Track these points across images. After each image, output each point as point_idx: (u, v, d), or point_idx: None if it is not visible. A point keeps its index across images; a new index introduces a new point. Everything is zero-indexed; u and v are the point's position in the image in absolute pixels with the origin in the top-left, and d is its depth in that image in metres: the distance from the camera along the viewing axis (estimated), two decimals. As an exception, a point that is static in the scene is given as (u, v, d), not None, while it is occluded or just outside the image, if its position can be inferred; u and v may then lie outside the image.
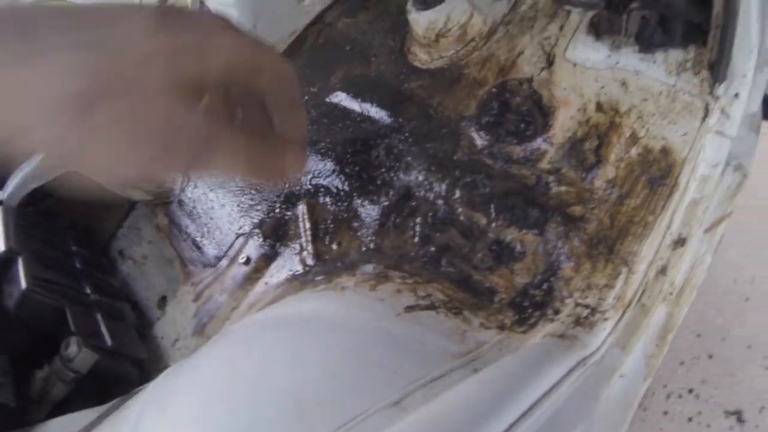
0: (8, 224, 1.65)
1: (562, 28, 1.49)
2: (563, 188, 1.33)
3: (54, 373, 1.33)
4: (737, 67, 1.18)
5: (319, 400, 0.87)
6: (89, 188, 1.83)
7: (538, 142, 1.40)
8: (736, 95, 1.19)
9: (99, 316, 1.56)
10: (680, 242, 1.17)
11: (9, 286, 1.48)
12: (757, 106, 1.22)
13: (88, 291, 1.64)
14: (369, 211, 1.55)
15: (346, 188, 1.62)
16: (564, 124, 1.39)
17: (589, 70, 1.40)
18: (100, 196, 1.95)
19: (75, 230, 2.00)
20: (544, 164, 1.38)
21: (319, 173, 1.68)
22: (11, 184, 1.83)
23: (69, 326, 1.47)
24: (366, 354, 0.99)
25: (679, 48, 1.29)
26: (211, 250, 1.76)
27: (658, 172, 1.25)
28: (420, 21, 1.69)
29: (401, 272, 1.38)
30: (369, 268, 1.41)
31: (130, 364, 1.53)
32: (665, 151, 1.25)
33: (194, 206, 1.93)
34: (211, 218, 1.85)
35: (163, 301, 1.81)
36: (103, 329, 1.52)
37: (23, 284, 1.41)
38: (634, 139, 1.29)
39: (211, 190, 1.92)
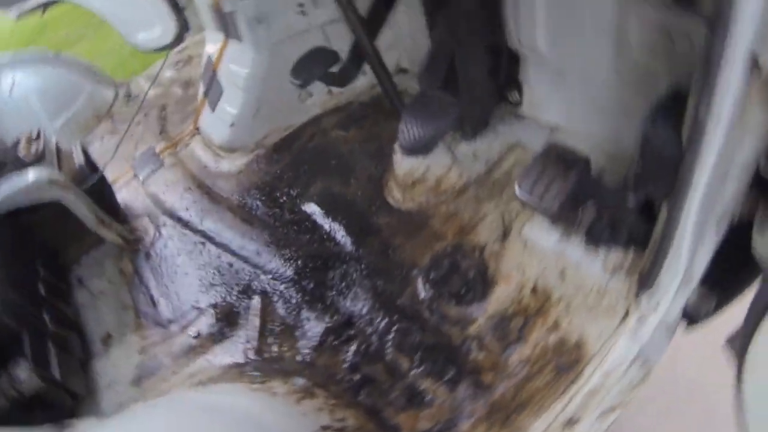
0: None
1: (524, 204, 1.53)
2: (482, 355, 1.46)
3: None
4: (663, 283, 1.27)
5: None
6: (68, 216, 2.01)
7: (473, 309, 1.53)
8: (657, 305, 1.30)
9: (51, 347, 1.72)
10: (572, 422, 1.27)
11: None
12: (674, 316, 1.34)
13: (47, 319, 1.79)
14: (313, 326, 1.72)
15: (299, 299, 1.81)
16: (500, 298, 1.52)
17: (537, 252, 1.52)
18: (74, 226, 2.12)
19: (44, 250, 2.13)
20: (471, 330, 1.50)
21: (279, 276, 1.88)
22: None
23: (19, 347, 1.63)
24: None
25: (620, 249, 1.43)
26: (166, 312, 1.93)
27: (568, 362, 1.34)
28: (402, 164, 1.88)
29: (326, 391, 1.52)
30: (300, 381, 1.56)
31: (69, 396, 1.69)
32: (579, 345, 1.35)
33: (160, 264, 2.11)
34: (172, 282, 2.03)
35: (108, 339, 1.96)
36: (53, 361, 1.68)
37: None
38: (555, 326, 1.41)
39: (179, 254, 2.11)
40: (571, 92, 1.66)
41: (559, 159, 1.41)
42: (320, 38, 2.25)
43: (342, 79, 1.86)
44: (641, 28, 1.30)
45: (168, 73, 3.13)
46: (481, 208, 1.72)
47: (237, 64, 2.33)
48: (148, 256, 2.15)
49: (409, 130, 1.59)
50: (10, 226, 1.98)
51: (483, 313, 1.51)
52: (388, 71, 1.72)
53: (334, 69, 1.82)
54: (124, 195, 2.47)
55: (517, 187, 1.41)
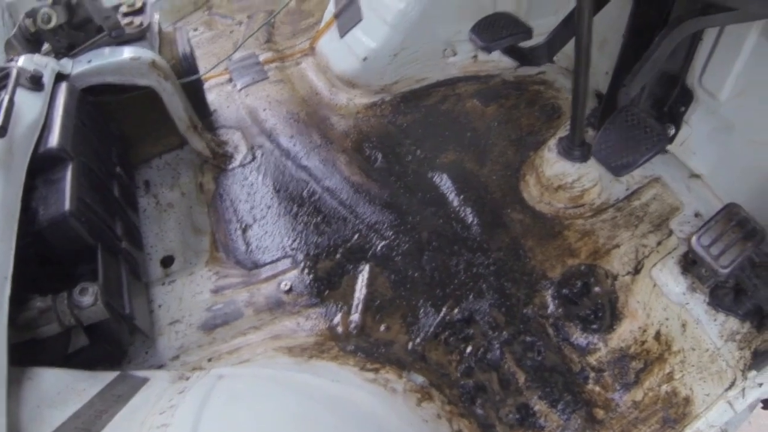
0: (69, 113, 1.53)
1: (659, 243, 1.63)
2: (597, 389, 1.43)
3: (54, 311, 1.23)
4: None
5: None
6: (154, 107, 1.74)
7: (597, 339, 1.51)
8: (760, 384, 1.35)
9: (124, 274, 1.46)
10: None
11: (48, 192, 1.37)
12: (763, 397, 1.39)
13: (119, 233, 1.53)
14: (428, 314, 1.54)
15: (415, 278, 1.60)
16: (624, 334, 1.51)
17: (663, 297, 1.52)
18: (156, 121, 1.86)
19: (119, 140, 1.86)
20: (592, 359, 1.48)
21: (397, 246, 1.65)
22: (85, 65, 1.70)
23: (89, 267, 1.37)
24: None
25: (738, 319, 1.44)
26: (253, 251, 1.69)
27: (674, 415, 1.36)
28: (554, 165, 1.75)
29: (442, 394, 1.41)
30: (418, 379, 1.41)
31: (129, 333, 1.45)
32: (687, 401, 1.38)
33: (250, 192, 1.85)
34: (263, 216, 1.78)
35: (168, 261, 1.71)
36: (125, 292, 1.42)
37: (67, 205, 1.32)
38: (670, 377, 1.42)
39: (275, 187, 1.86)
40: (732, 148, 1.65)
41: (739, 224, 1.41)
42: (489, 2, 2.05)
43: (531, 59, 1.69)
44: None
45: (283, -23, 2.83)
46: (617, 234, 1.68)
47: (389, -5, 2.08)
48: (236, 178, 1.90)
49: (607, 143, 1.48)
50: (92, 104, 1.72)
51: (606, 345, 1.49)
52: (590, 62, 1.49)
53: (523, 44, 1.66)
54: (214, 98, 2.20)
55: (695, 240, 1.40)
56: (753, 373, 1.36)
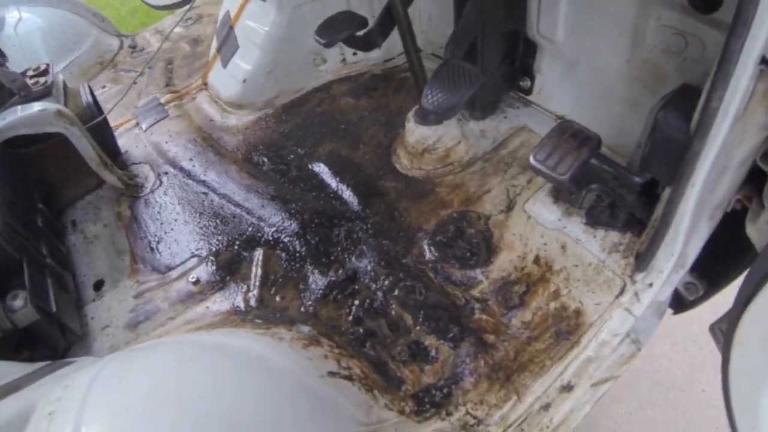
0: None
1: (529, 181, 1.75)
2: (484, 317, 1.50)
3: None
4: (658, 263, 1.40)
5: (257, 430, 1.01)
6: (69, 154, 2.01)
7: (477, 273, 1.61)
8: (650, 284, 1.41)
9: (49, 281, 1.72)
10: (567, 388, 1.36)
11: None
12: (665, 297, 1.45)
13: (44, 252, 1.79)
14: (316, 280, 1.75)
15: (302, 252, 1.83)
16: (503, 265, 1.60)
17: (539, 226, 1.62)
18: (73, 165, 2.13)
19: (41, 186, 2.12)
20: (475, 292, 1.57)
21: (283, 230, 1.90)
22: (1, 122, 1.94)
23: (16, 278, 1.63)
24: (296, 404, 1.16)
25: (618, 231, 1.54)
26: (164, 258, 1.94)
27: (567, 328, 1.43)
28: (415, 132, 1.92)
29: (331, 341, 1.56)
30: (305, 329, 1.59)
31: (61, 334, 1.69)
32: (578, 313, 1.44)
33: (159, 211, 2.12)
34: (172, 229, 2.04)
35: (99, 284, 1.95)
36: (51, 295, 1.68)
37: None
38: (556, 294, 1.49)
39: (180, 203, 2.13)
40: (582, 83, 1.77)
41: (573, 136, 1.49)
42: (342, 4, 2.28)
43: (366, 44, 1.86)
44: (659, 29, 1.43)
45: (176, 29, 3.11)
46: (487, 182, 1.79)
47: (257, 22, 2.34)
48: (147, 202, 2.15)
49: (433, 94, 1.61)
50: (11, 155, 1.97)
51: (486, 278, 1.58)
52: (415, 40, 1.75)
53: (360, 33, 1.83)
54: (125, 142, 2.45)
55: (531, 157, 1.48)
56: (640, 275, 1.42)
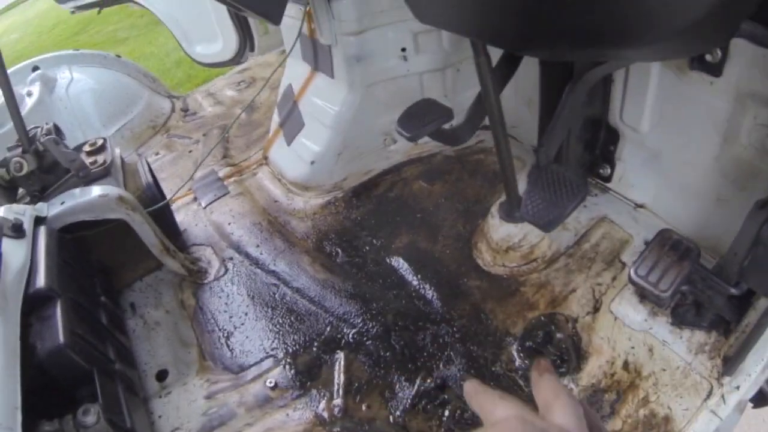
0: (50, 253, 1.68)
1: (614, 279, 1.69)
2: None
3: None
4: (747, 367, 1.38)
5: None
6: (128, 237, 1.92)
7: (567, 381, 1.53)
8: (737, 387, 1.38)
9: (120, 390, 1.62)
10: None
11: (42, 327, 1.52)
12: (750, 395, 1.41)
13: (111, 356, 1.69)
14: (403, 388, 1.65)
15: (387, 357, 1.73)
16: (592, 371, 1.54)
17: (626, 328, 1.57)
18: (132, 248, 2.04)
19: (101, 272, 2.01)
20: None
21: (365, 332, 1.80)
22: (59, 207, 1.85)
23: (86, 388, 1.52)
24: None
25: (703, 331, 1.49)
26: (237, 356, 1.84)
27: None
28: (500, 230, 1.85)
29: None
30: None
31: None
32: (667, 420, 1.39)
33: (227, 302, 2.02)
34: (242, 323, 1.94)
35: (162, 375, 1.85)
36: (124, 407, 1.58)
37: (61, 338, 1.47)
38: (645, 401, 1.43)
39: (249, 294, 2.03)
40: (665, 173, 1.72)
41: (673, 247, 1.48)
42: (416, 86, 2.22)
43: (456, 139, 1.78)
44: (755, 128, 1.38)
45: (229, 92, 3.06)
46: (572, 279, 1.74)
47: (325, 100, 2.27)
48: (212, 291, 2.06)
49: (533, 202, 1.58)
50: (71, 240, 1.87)
51: (577, 385, 1.53)
52: (506, 131, 1.67)
53: (446, 126, 1.76)
54: (183, 218, 2.37)
55: (632, 272, 1.46)
56: (728, 378, 1.39)
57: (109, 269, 2.07)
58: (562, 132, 1.65)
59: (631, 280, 1.46)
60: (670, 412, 1.40)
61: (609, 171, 1.93)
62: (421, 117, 1.71)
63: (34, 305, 1.54)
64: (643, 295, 1.59)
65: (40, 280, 1.56)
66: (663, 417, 1.40)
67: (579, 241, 1.84)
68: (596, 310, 1.66)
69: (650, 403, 1.43)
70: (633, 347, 1.54)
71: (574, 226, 1.89)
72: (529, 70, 1.71)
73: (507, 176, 1.75)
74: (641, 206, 1.86)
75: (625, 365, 1.52)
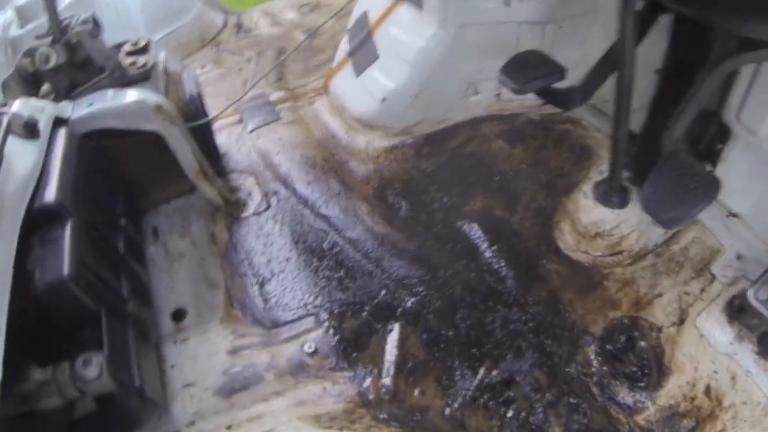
0: (68, 161, 1.41)
1: (702, 291, 1.55)
2: None
3: (56, 383, 1.11)
4: None
5: None
6: (161, 154, 1.64)
7: (644, 397, 1.41)
8: None
9: (131, 337, 1.34)
10: None
11: (45, 252, 1.26)
12: None
13: (125, 294, 1.41)
14: (464, 376, 1.45)
15: (449, 337, 1.50)
16: (672, 390, 1.41)
17: (710, 349, 1.43)
18: (163, 167, 1.76)
19: (123, 187, 1.75)
20: (640, 419, 1.38)
21: (427, 304, 1.56)
22: (85, 108, 1.58)
23: (93, 333, 1.25)
24: None
25: None
26: (271, 308, 1.58)
27: None
28: (592, 212, 1.68)
29: None
30: None
31: (140, 401, 1.31)
32: None
33: (266, 243, 1.75)
34: (282, 270, 1.67)
35: (180, 315, 1.60)
36: (134, 361, 1.30)
37: (65, 268, 1.20)
38: None
39: (293, 238, 1.76)
40: None
41: None
42: (512, 37, 1.95)
43: (569, 102, 1.59)
44: None
45: (289, 15, 2.80)
46: (658, 282, 1.61)
47: (407, 33, 2.00)
48: (250, 227, 1.80)
49: (656, 192, 1.40)
50: (95, 149, 1.61)
51: (654, 403, 1.41)
52: (631, 100, 1.42)
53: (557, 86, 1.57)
54: (224, 141, 2.10)
55: (751, 295, 1.36)
56: None
57: (134, 186, 1.81)
58: (692, 116, 1.46)
59: (749, 305, 1.35)
60: (745, 452, 1.28)
61: (710, 171, 1.73)
62: (529, 69, 1.56)
63: (38, 223, 1.28)
64: (732, 316, 1.46)
65: (50, 194, 1.31)
66: (737, 456, 1.29)
67: (668, 242, 1.68)
68: (681, 321, 1.52)
69: (726, 438, 1.32)
70: (716, 371, 1.41)
71: (665, 225, 1.72)
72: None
73: (617, 153, 1.52)
74: (735, 215, 1.68)
75: (707, 391, 1.39)
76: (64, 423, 1.19)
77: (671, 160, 1.44)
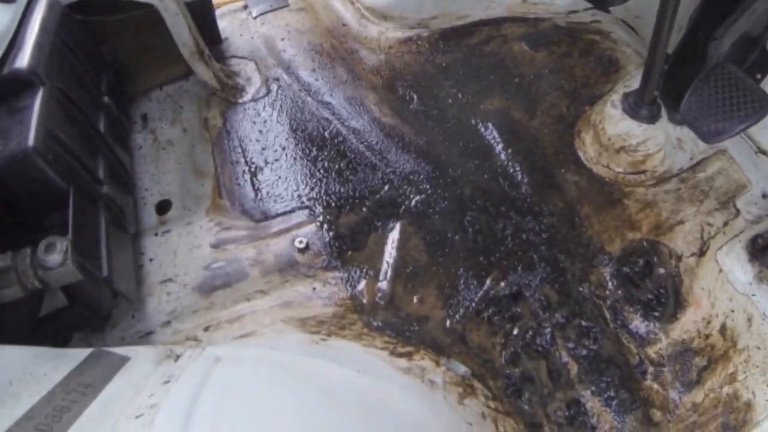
0: (46, 29, 1.27)
1: (726, 224, 1.48)
2: (655, 386, 1.31)
3: (15, 271, 0.98)
4: None
5: None
6: (155, 31, 1.47)
7: (658, 328, 1.37)
8: None
9: (102, 222, 1.21)
10: None
11: (11, 122, 1.12)
12: None
13: (100, 174, 1.27)
14: (469, 285, 1.33)
15: (456, 242, 1.38)
16: (687, 325, 1.37)
17: (729, 285, 1.38)
18: (156, 47, 1.60)
19: (110, 67, 1.60)
20: (651, 351, 1.35)
21: (433, 203, 1.42)
22: None
23: (60, 216, 1.11)
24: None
25: None
26: (262, 199, 1.45)
27: (734, 422, 1.23)
28: (619, 124, 1.55)
29: (485, 387, 1.22)
30: (460, 368, 1.20)
31: (110, 295, 1.20)
32: (748, 406, 1.24)
33: (262, 130, 1.61)
34: (276, 159, 1.54)
35: (164, 206, 1.47)
36: (103, 249, 1.17)
37: (31, 139, 1.07)
38: (732, 378, 1.28)
39: (290, 125, 1.61)
40: None
41: None
42: None
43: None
44: None
45: None
46: (681, 209, 1.53)
47: None
48: (247, 113, 1.67)
49: (698, 101, 1.33)
50: (81, 23, 1.47)
51: (666, 336, 1.37)
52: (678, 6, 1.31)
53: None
54: (226, 26, 1.94)
55: None
56: None
57: (124, 68, 1.67)
58: (743, 29, 1.38)
59: None
60: (753, 398, 1.25)
61: None
62: None
63: (7, 91, 1.17)
64: (753, 254, 1.40)
65: (22, 59, 1.19)
66: (745, 402, 1.26)
67: (694, 168, 1.60)
68: (702, 253, 1.46)
69: (737, 382, 1.29)
70: (733, 310, 1.36)
71: (690, 149, 1.63)
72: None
73: (654, 62, 1.41)
74: (764, 152, 1.60)
75: (722, 329, 1.36)
76: (30, 319, 1.09)
77: (717, 71, 1.34)
